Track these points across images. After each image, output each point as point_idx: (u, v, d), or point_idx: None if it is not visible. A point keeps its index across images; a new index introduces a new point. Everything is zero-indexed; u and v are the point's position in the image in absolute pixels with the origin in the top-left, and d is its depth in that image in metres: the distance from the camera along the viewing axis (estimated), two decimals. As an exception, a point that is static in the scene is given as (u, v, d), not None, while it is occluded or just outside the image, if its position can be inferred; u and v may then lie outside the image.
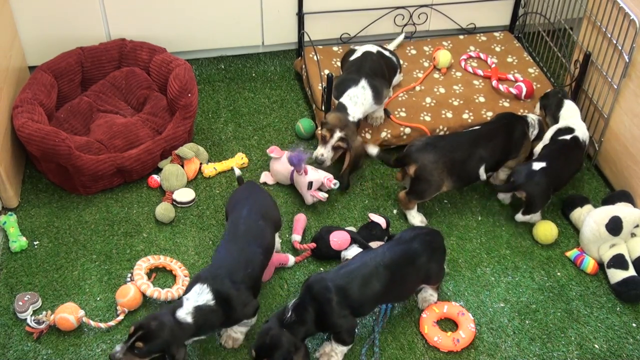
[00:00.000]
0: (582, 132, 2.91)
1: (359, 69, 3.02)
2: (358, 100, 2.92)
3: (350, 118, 2.89)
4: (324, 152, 2.87)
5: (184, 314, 2.17)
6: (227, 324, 2.29)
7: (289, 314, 2.22)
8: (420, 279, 2.46)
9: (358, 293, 2.28)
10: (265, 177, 2.99)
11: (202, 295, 2.20)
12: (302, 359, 2.22)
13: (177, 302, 2.20)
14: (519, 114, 3.04)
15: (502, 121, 2.91)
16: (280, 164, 2.92)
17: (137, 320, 2.43)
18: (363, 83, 2.95)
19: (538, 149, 2.93)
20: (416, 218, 2.84)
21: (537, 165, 2.78)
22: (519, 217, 2.83)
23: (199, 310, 2.18)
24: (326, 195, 2.84)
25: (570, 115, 2.97)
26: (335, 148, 2.88)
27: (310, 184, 2.82)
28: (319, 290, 2.25)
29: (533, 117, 2.99)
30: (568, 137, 2.88)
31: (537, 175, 2.75)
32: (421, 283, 2.49)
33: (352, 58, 3.13)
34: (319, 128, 2.98)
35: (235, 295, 2.23)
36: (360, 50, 3.16)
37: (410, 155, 2.76)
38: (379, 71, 3.08)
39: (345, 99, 2.93)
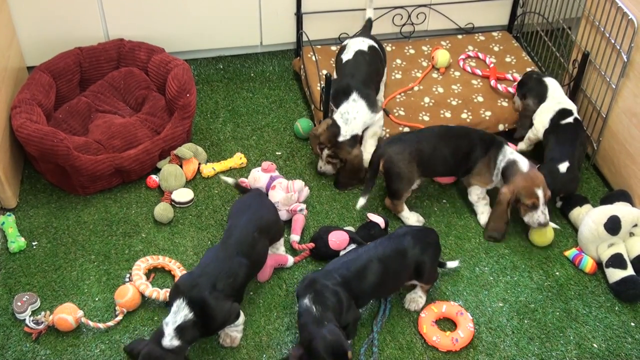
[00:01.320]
0: (575, 109, 2.98)
1: (352, 75, 2.96)
2: (349, 116, 2.87)
3: (341, 138, 2.87)
4: (322, 165, 2.98)
5: (169, 340, 2.15)
6: (208, 333, 2.28)
7: (314, 308, 2.22)
8: (411, 274, 2.47)
9: (358, 285, 2.33)
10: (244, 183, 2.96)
11: (179, 313, 2.19)
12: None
13: (159, 331, 2.19)
14: (499, 139, 2.82)
15: (476, 133, 2.86)
16: (260, 176, 2.90)
17: (133, 324, 2.43)
18: (354, 96, 2.89)
19: (536, 133, 3.00)
20: (411, 218, 2.84)
21: (563, 167, 2.81)
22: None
23: (181, 330, 2.17)
24: (304, 208, 2.81)
25: (559, 94, 3.02)
26: (329, 164, 2.94)
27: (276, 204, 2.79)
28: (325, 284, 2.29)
29: (511, 151, 2.77)
30: (571, 119, 2.92)
31: (568, 174, 2.82)
32: (412, 278, 2.49)
33: (344, 59, 3.05)
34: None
35: (213, 306, 2.21)
36: (351, 48, 3.07)
37: (377, 152, 2.80)
38: (373, 73, 3.04)
39: (337, 116, 2.89)
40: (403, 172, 2.75)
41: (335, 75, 3.09)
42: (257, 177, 2.88)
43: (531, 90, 3.06)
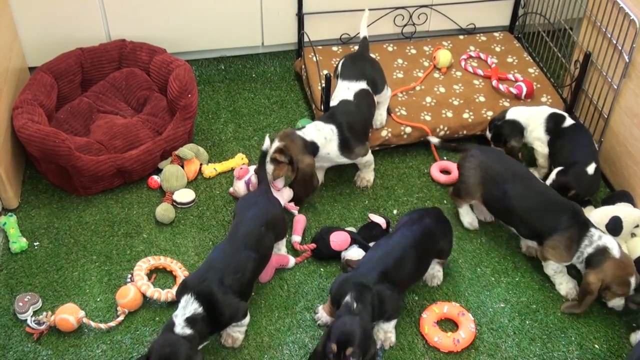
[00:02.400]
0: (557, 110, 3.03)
1: (338, 114, 2.83)
2: (323, 131, 2.75)
3: (299, 133, 2.72)
4: (270, 168, 2.72)
5: (181, 328, 2.16)
6: (217, 328, 2.29)
7: (354, 305, 2.24)
8: (436, 252, 2.55)
9: (398, 275, 2.37)
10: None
11: (188, 307, 2.20)
12: (373, 343, 2.24)
13: (169, 322, 2.19)
14: (583, 217, 2.56)
15: (556, 198, 2.63)
16: (239, 185, 2.89)
17: (137, 331, 2.43)
18: (332, 126, 2.78)
19: (543, 154, 2.97)
20: (465, 218, 2.84)
21: (590, 169, 2.83)
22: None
23: (192, 321, 2.18)
24: (297, 208, 2.82)
25: (529, 113, 3.00)
26: (274, 161, 2.70)
27: None
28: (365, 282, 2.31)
29: (599, 235, 2.50)
30: (571, 120, 2.94)
31: (595, 175, 2.84)
32: (436, 256, 2.56)
33: (332, 102, 2.89)
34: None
35: (222, 300, 2.23)
36: (338, 94, 2.90)
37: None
38: (359, 122, 2.85)
39: (309, 127, 2.77)
40: (467, 179, 2.72)
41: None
42: (237, 188, 2.88)
43: (510, 134, 2.98)
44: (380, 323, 2.39)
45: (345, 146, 2.80)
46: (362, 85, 2.91)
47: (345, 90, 2.90)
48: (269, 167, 2.71)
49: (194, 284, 2.24)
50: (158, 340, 2.15)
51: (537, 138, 2.96)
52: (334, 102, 2.89)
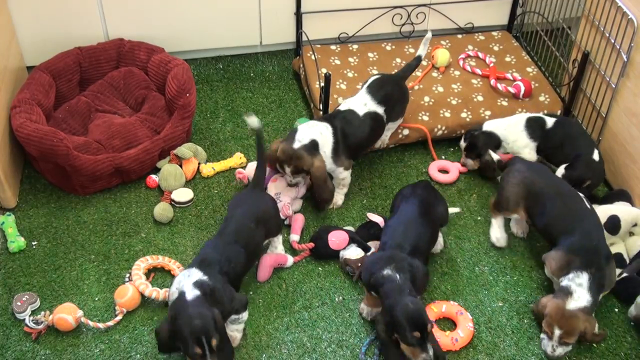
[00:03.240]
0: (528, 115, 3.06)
1: (334, 117, 2.81)
2: (317, 128, 2.72)
3: (297, 143, 2.67)
4: (289, 179, 2.77)
5: (191, 291, 2.18)
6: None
7: (398, 276, 2.31)
8: (438, 219, 2.63)
9: (421, 247, 2.48)
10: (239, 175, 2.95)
11: (191, 276, 2.24)
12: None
13: (179, 297, 2.19)
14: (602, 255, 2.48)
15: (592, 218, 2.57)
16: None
17: (134, 320, 2.43)
18: (326, 124, 2.75)
19: (530, 154, 2.97)
20: (493, 232, 2.78)
21: (596, 156, 2.86)
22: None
23: (199, 284, 2.21)
24: (292, 211, 2.81)
25: (506, 123, 3.01)
26: (296, 175, 2.73)
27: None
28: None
29: None
30: (553, 119, 2.96)
31: (601, 160, 2.88)
32: (439, 223, 2.64)
33: (341, 105, 2.88)
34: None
35: (219, 289, 2.24)
36: (351, 103, 2.86)
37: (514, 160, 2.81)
38: (357, 137, 2.82)
39: (301, 125, 2.75)
40: (509, 194, 2.68)
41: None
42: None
43: (484, 146, 2.96)
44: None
45: (335, 150, 2.76)
46: (379, 109, 2.86)
47: (360, 104, 2.85)
48: (299, 178, 2.75)
49: (190, 271, 2.27)
50: (183, 320, 2.11)
51: (524, 146, 2.96)
52: (342, 107, 2.87)
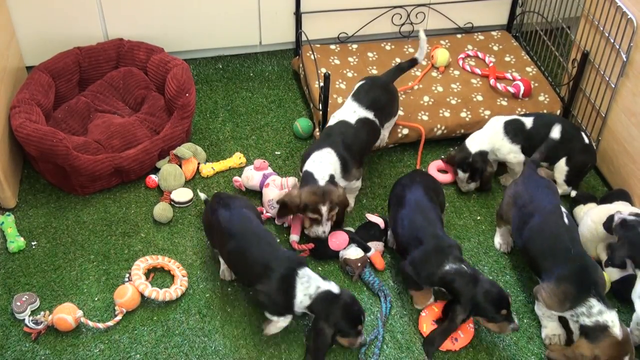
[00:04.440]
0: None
1: (332, 136, 2.74)
2: (324, 159, 2.65)
3: (321, 182, 2.60)
4: (326, 229, 2.64)
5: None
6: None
7: (464, 267, 2.36)
8: (441, 202, 2.68)
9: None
10: (236, 182, 2.95)
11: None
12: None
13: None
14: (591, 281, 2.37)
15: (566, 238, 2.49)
16: (253, 174, 2.90)
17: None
18: (328, 149, 2.67)
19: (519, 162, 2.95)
20: (496, 238, 2.81)
21: (585, 139, 2.90)
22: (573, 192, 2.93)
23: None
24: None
25: (486, 136, 2.94)
26: (331, 213, 2.62)
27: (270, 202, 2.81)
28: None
29: (599, 310, 2.29)
30: (532, 117, 2.95)
31: (591, 142, 2.93)
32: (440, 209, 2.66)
33: (330, 121, 2.84)
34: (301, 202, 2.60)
35: None
36: (341, 114, 2.81)
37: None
38: (357, 144, 2.76)
39: (309, 164, 2.65)
40: (502, 205, 2.70)
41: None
42: (251, 176, 2.89)
43: (484, 164, 2.91)
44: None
45: (345, 169, 2.69)
46: (369, 115, 2.80)
47: (350, 112, 2.79)
48: (329, 224, 2.65)
49: None
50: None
51: (509, 152, 2.91)
52: (331, 122, 2.80)
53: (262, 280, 2.30)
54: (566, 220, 2.48)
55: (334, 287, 2.30)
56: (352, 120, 2.78)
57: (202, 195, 2.70)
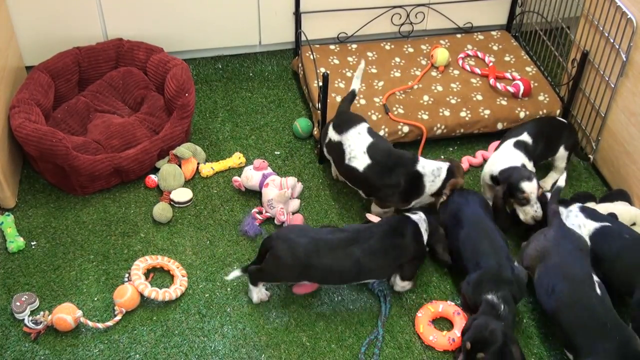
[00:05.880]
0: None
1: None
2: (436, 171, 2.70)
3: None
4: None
5: None
6: None
7: (502, 307, 2.30)
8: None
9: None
10: (236, 183, 2.95)
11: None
12: (519, 350, 2.26)
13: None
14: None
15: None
16: (253, 174, 2.90)
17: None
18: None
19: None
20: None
21: (562, 119, 3.00)
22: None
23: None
24: (286, 216, 2.80)
25: (504, 162, 2.74)
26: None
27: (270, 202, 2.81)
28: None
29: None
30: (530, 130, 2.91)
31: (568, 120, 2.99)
32: None
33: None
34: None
35: None
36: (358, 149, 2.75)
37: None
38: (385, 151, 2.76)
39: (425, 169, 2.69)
40: (527, 255, 2.58)
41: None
42: (250, 176, 2.89)
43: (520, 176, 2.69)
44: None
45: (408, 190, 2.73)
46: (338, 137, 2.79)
47: (356, 136, 2.76)
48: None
49: None
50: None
51: (491, 169, 2.81)
52: (358, 162, 2.73)
53: None
54: (598, 291, 2.34)
55: None
56: (365, 141, 2.75)
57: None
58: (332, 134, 2.81)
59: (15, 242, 2.68)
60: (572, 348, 2.31)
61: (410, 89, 3.30)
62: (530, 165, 2.77)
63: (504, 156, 2.77)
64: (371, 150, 2.71)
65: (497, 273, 2.40)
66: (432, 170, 2.69)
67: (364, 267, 2.42)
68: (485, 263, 2.43)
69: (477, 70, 3.41)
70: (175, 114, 3.00)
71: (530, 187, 2.61)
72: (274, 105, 3.39)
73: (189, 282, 2.60)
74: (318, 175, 3.04)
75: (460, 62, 3.47)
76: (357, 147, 2.72)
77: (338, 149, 2.77)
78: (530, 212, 2.64)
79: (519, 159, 2.74)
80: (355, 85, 2.94)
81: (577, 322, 2.29)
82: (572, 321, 2.30)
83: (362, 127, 2.77)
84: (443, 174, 2.69)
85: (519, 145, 2.81)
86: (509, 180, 2.64)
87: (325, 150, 2.87)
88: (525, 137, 2.84)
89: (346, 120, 2.80)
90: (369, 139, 2.74)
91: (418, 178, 2.68)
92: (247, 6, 3.44)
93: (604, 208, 2.72)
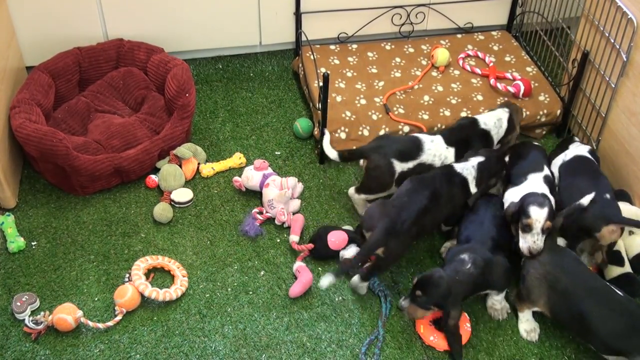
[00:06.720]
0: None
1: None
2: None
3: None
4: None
5: None
6: None
7: (469, 265, 2.39)
8: None
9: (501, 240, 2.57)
10: (235, 183, 2.95)
11: None
12: (456, 317, 2.37)
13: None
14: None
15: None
16: (253, 174, 2.91)
17: (134, 319, 2.43)
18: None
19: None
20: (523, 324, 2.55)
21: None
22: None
23: None
24: (286, 216, 2.80)
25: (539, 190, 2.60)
26: None
27: (270, 202, 2.81)
28: None
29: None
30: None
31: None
32: None
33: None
34: None
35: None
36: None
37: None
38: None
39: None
40: (530, 289, 2.49)
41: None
42: (250, 176, 2.89)
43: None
44: (494, 295, 2.52)
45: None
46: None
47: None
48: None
49: None
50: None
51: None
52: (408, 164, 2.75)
53: None
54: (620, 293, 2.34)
55: None
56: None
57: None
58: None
59: (16, 242, 2.68)
60: (621, 353, 2.30)
61: (410, 89, 3.30)
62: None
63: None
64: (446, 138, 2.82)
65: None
66: (494, 123, 2.88)
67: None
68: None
69: (478, 71, 3.41)
70: (175, 114, 3.01)
71: (537, 214, 2.43)
72: (275, 105, 3.39)
73: (190, 282, 2.60)
74: (318, 176, 3.04)
75: (461, 62, 3.47)
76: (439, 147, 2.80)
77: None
78: (529, 240, 2.44)
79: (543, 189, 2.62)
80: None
81: (623, 329, 2.27)
82: (615, 329, 2.28)
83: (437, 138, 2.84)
84: (504, 125, 2.90)
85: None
86: (522, 202, 2.49)
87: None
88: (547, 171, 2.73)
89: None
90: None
91: (485, 135, 2.87)
92: (247, 6, 3.44)
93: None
